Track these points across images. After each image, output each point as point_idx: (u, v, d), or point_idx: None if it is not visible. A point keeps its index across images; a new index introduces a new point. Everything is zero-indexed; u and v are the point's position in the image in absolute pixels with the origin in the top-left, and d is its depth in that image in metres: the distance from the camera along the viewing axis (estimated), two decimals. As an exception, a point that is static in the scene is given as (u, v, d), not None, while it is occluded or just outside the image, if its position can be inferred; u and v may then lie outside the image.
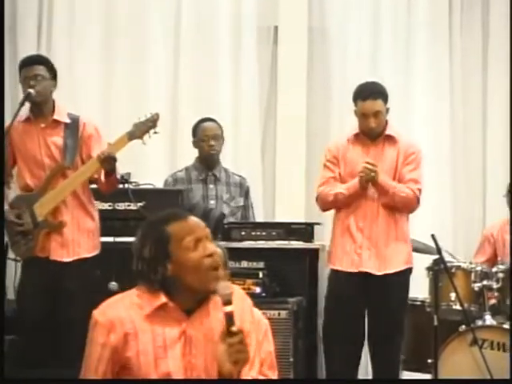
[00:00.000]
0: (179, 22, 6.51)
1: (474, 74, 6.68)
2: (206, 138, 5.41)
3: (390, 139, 4.80)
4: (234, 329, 2.51)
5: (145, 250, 2.62)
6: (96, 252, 4.50)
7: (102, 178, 4.42)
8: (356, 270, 4.68)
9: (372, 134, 4.78)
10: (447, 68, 6.59)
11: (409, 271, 4.80)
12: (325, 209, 4.94)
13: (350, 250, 4.71)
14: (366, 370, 5.68)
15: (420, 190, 4.76)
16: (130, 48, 6.50)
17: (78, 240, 4.42)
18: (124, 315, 2.59)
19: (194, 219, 2.66)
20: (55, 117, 4.46)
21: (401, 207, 4.73)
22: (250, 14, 6.51)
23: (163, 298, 2.60)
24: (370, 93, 4.75)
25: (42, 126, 4.45)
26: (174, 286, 2.60)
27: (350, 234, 4.71)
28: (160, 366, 2.57)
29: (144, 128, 4.36)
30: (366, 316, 4.77)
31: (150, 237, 2.64)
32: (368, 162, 4.64)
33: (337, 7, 6.59)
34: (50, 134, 4.45)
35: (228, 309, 2.53)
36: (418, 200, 4.76)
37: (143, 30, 6.50)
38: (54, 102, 4.51)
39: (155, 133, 4.39)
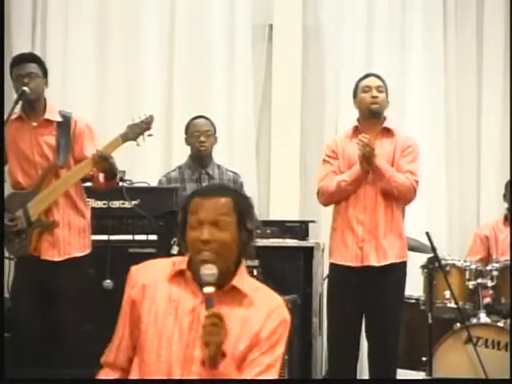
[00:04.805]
0: (173, 20, 6.51)
1: (469, 73, 6.69)
2: (197, 133, 5.39)
3: (388, 132, 4.77)
4: (207, 312, 2.51)
5: (178, 215, 2.70)
6: (88, 251, 4.47)
7: (101, 178, 4.41)
8: (360, 265, 4.63)
9: (374, 110, 4.71)
10: (442, 66, 6.59)
11: (405, 265, 4.74)
12: (327, 202, 4.80)
13: (352, 243, 4.63)
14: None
15: (417, 182, 4.69)
16: (124, 46, 6.49)
17: (69, 239, 4.39)
18: (151, 273, 2.69)
19: (210, 200, 2.64)
20: (47, 116, 4.44)
21: (397, 195, 4.66)
22: (244, 12, 6.51)
23: (183, 265, 2.65)
24: (371, 74, 4.88)
25: (34, 124, 4.42)
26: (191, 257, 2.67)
27: (351, 227, 4.64)
28: (166, 331, 2.59)
29: (138, 130, 4.35)
30: (364, 309, 4.74)
31: (181, 204, 2.73)
32: (364, 136, 4.56)
33: (331, 5, 6.60)
34: (42, 133, 4.42)
35: (207, 290, 2.54)
36: (414, 191, 4.70)
37: (137, 28, 6.49)
38: (45, 100, 4.49)
39: (150, 135, 4.38)
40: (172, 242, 4.57)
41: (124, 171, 4.80)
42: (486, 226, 5.82)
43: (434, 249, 4.82)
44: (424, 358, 4.83)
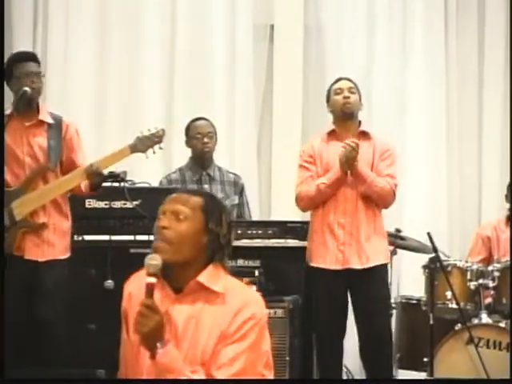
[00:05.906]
0: (174, 20, 6.51)
1: (470, 75, 6.70)
2: (200, 135, 5.40)
3: (365, 135, 4.80)
4: (144, 301, 2.53)
5: None
6: (68, 254, 4.45)
7: (83, 187, 4.41)
8: (341, 268, 4.65)
9: (347, 111, 4.75)
10: (443, 67, 6.60)
11: (386, 266, 4.78)
12: (306, 207, 4.83)
13: (333, 247, 4.66)
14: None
15: (396, 185, 4.76)
16: (124, 46, 6.49)
17: (53, 241, 4.38)
18: (139, 282, 2.68)
19: (180, 195, 2.72)
20: (40, 117, 4.41)
21: (377, 199, 4.70)
22: (245, 13, 6.52)
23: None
24: (343, 77, 4.91)
25: (27, 124, 4.39)
26: None
27: (331, 230, 4.67)
28: None
29: (148, 143, 4.35)
30: (353, 312, 4.74)
31: None
32: (352, 141, 4.59)
33: (332, 5, 6.61)
34: (34, 133, 4.39)
35: (147, 280, 2.55)
36: (394, 194, 4.75)
37: (137, 28, 6.49)
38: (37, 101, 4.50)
39: (160, 148, 4.39)
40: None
41: (125, 171, 4.80)
42: (488, 226, 5.80)
43: (435, 249, 4.82)
44: (425, 359, 4.82)
